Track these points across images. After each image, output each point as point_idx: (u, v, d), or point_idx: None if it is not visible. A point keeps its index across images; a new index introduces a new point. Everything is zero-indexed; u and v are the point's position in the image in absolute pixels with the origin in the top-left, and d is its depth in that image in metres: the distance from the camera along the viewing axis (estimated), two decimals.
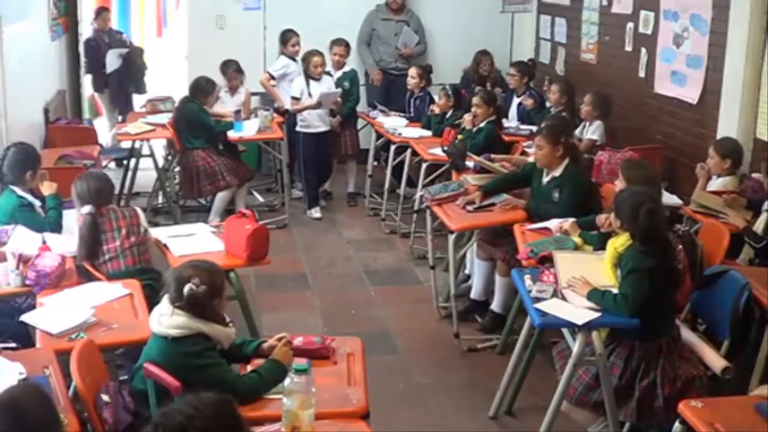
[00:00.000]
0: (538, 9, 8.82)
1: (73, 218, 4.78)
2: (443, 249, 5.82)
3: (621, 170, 4.35)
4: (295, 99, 7.39)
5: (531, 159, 5.38)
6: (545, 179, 4.98)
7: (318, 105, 7.24)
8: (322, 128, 7.45)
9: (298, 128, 7.43)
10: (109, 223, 4.37)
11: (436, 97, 7.52)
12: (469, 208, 5.07)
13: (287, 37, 7.78)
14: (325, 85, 7.37)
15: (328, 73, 7.62)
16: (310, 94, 7.29)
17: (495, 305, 5.23)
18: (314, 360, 3.22)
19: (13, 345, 3.71)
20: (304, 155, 7.44)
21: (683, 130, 6.09)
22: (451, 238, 5.04)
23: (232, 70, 7.50)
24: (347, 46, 7.78)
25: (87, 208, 4.36)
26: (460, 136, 6.35)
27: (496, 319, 5.20)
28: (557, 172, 4.91)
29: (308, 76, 7.31)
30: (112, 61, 8.85)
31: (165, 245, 4.62)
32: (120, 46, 9.04)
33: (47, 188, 4.76)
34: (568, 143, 4.91)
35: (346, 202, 7.90)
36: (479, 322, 5.31)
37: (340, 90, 7.49)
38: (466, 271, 5.82)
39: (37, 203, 4.69)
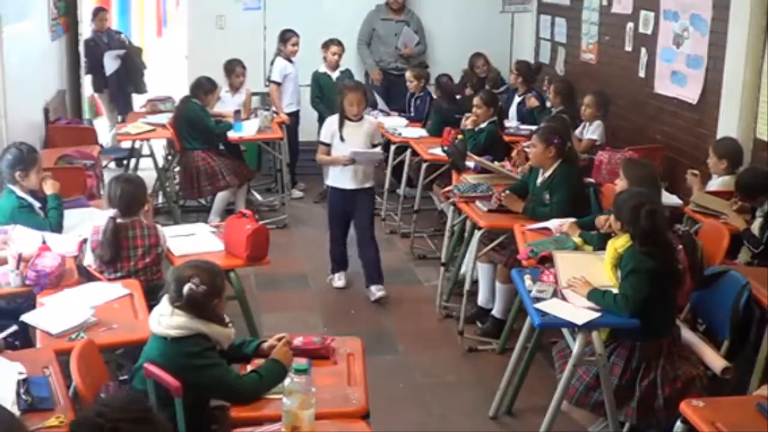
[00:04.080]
0: (538, 9, 8.81)
1: (76, 218, 4.80)
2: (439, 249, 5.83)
3: (622, 169, 4.36)
4: (324, 145, 5.76)
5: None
6: (539, 180, 5.00)
7: (351, 162, 5.61)
8: (352, 185, 5.74)
9: (327, 181, 6.00)
10: (126, 241, 4.26)
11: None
12: (483, 208, 5.07)
13: (287, 37, 7.78)
14: (362, 132, 5.65)
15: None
16: (342, 139, 5.63)
17: (496, 311, 5.22)
18: (314, 360, 3.21)
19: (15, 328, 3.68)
20: (329, 212, 6.01)
21: (683, 130, 6.08)
22: (477, 234, 5.01)
23: (239, 67, 7.49)
24: (341, 45, 7.77)
25: (111, 212, 4.31)
26: (460, 136, 6.35)
27: (497, 324, 5.19)
28: (548, 173, 4.93)
29: (343, 117, 5.67)
30: (110, 62, 8.84)
31: (169, 249, 4.60)
32: (119, 47, 9.04)
33: (50, 188, 4.75)
34: (561, 145, 4.91)
35: None
36: (480, 327, 5.29)
37: (380, 150, 5.83)
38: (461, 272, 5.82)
39: (37, 204, 4.69)
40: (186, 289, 3.13)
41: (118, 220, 4.27)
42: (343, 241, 5.98)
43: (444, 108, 7.17)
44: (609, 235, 3.95)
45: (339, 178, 5.76)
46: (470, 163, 5.89)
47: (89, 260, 4.30)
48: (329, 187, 5.88)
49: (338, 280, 6.03)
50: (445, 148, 6.25)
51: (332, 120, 5.73)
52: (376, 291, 5.80)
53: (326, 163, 5.89)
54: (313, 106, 7.81)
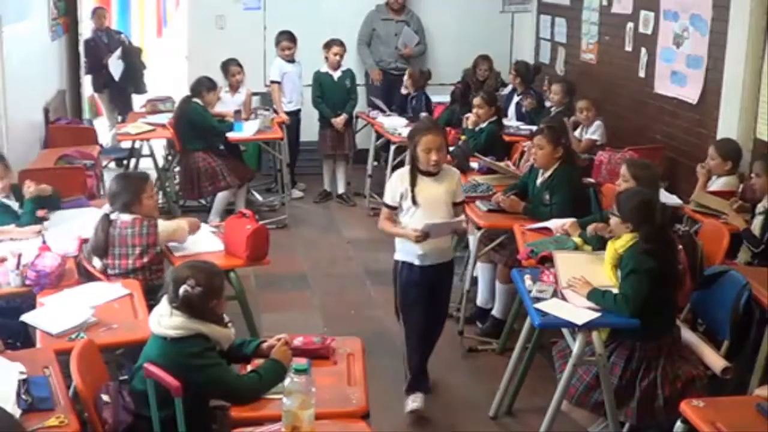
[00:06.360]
0: (538, 9, 8.82)
1: (76, 218, 4.81)
2: None
3: (629, 170, 4.31)
4: (390, 208, 4.29)
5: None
6: (539, 181, 4.99)
7: (425, 237, 4.12)
8: (431, 260, 4.26)
9: (396, 255, 4.39)
10: (124, 239, 4.26)
11: (434, 98, 7.56)
12: (483, 208, 5.06)
13: (278, 40, 7.83)
14: (441, 191, 4.20)
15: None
16: (415, 202, 4.17)
17: (496, 311, 5.22)
18: (314, 360, 3.21)
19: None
20: (403, 297, 4.38)
21: (683, 130, 6.09)
22: (477, 234, 5.01)
23: (233, 66, 7.50)
24: (342, 45, 7.78)
25: (105, 207, 4.41)
26: (462, 137, 6.36)
27: (497, 324, 5.18)
28: (548, 174, 4.92)
29: (417, 171, 4.20)
30: (115, 65, 8.81)
31: (167, 247, 4.60)
32: (119, 46, 9.03)
33: (28, 193, 4.80)
34: (567, 145, 4.91)
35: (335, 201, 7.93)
36: (480, 327, 5.29)
37: (463, 217, 4.39)
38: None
39: (15, 205, 4.78)
40: (181, 290, 3.14)
41: (112, 216, 4.31)
42: (429, 336, 4.48)
43: (457, 112, 7.16)
44: None
45: (413, 251, 4.24)
46: (474, 164, 5.89)
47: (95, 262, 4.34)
48: (399, 262, 4.33)
49: (412, 402, 4.38)
50: (451, 149, 6.25)
51: (401, 175, 4.26)
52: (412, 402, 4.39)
53: (392, 236, 4.35)
54: (314, 106, 7.82)
